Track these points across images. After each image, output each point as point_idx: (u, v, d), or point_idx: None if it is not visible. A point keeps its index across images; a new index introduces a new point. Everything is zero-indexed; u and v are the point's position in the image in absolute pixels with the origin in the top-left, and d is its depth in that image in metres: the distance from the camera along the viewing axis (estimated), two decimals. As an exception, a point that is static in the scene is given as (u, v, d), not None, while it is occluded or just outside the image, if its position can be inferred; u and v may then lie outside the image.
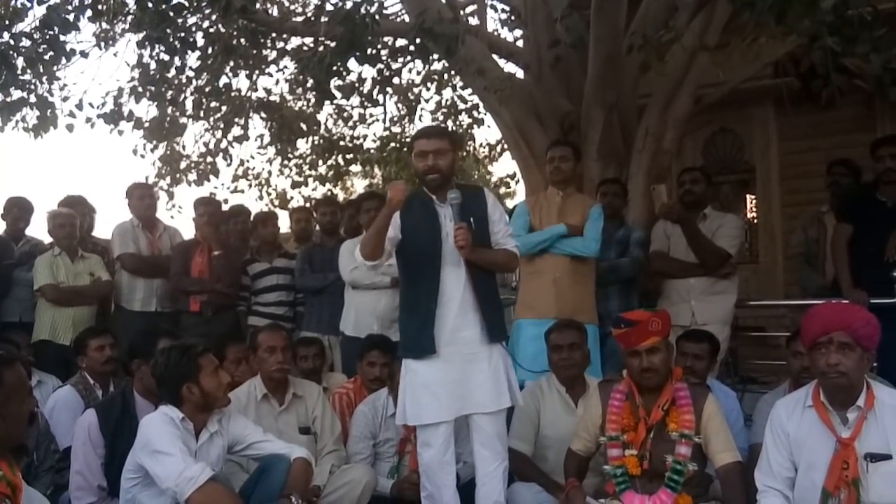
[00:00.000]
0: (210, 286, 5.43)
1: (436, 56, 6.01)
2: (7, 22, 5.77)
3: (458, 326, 3.38)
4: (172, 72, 7.19)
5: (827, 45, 3.60)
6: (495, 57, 7.07)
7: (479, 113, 10.17)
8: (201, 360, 3.22)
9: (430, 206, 3.46)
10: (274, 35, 7.80)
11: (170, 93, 7.70)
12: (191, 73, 7.85)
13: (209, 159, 9.73)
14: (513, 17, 7.68)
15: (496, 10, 8.32)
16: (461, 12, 6.49)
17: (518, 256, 3.69)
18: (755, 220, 9.21)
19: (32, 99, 6.50)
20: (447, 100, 10.38)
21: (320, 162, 10.70)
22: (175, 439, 3.07)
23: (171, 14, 5.66)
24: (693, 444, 3.16)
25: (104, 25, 7.44)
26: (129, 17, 6.68)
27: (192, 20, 6.84)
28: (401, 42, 7.73)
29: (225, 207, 6.70)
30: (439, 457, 3.37)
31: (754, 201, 9.31)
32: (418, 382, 3.39)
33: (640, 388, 3.28)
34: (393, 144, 10.73)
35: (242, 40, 7.19)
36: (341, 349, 5.29)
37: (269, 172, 10.93)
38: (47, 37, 5.74)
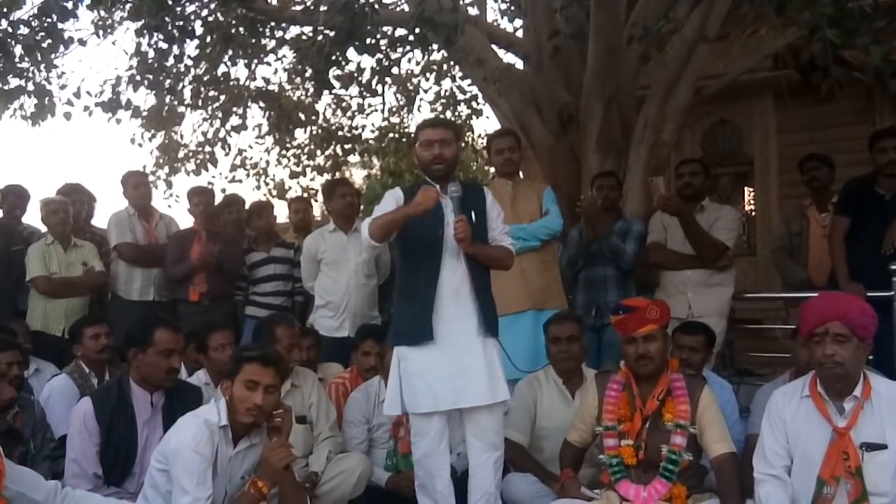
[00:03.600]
0: (205, 258, 5.37)
1: (435, 46, 6.00)
2: (5, 9, 5.73)
3: (455, 317, 3.37)
4: (171, 60, 7.13)
5: (827, 37, 3.59)
6: (495, 47, 7.06)
7: (478, 103, 10.13)
8: (244, 365, 3.09)
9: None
10: (273, 24, 7.77)
11: (168, 81, 7.64)
12: (189, 62, 7.82)
13: (207, 149, 9.69)
14: (512, 7, 7.66)
15: (496, 0, 8.30)
16: (461, 2, 6.47)
17: (514, 254, 3.66)
18: (753, 213, 9.20)
19: (30, 87, 6.48)
20: (446, 90, 10.35)
21: (318, 152, 10.66)
22: (200, 472, 2.94)
23: (170, 2, 5.64)
24: (688, 435, 3.17)
25: (102, 13, 7.39)
26: (128, 6, 6.64)
27: (190, 8, 6.81)
28: (400, 32, 7.72)
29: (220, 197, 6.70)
30: (434, 447, 3.37)
31: (752, 194, 9.30)
32: (413, 371, 3.36)
33: (637, 378, 3.29)
34: (392, 135, 10.71)
35: (241, 29, 7.16)
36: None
37: (267, 162, 10.90)
38: (45, 24, 5.72)
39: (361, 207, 8.24)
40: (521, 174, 4.94)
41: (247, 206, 6.31)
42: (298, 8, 7.20)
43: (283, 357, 3.39)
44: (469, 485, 3.42)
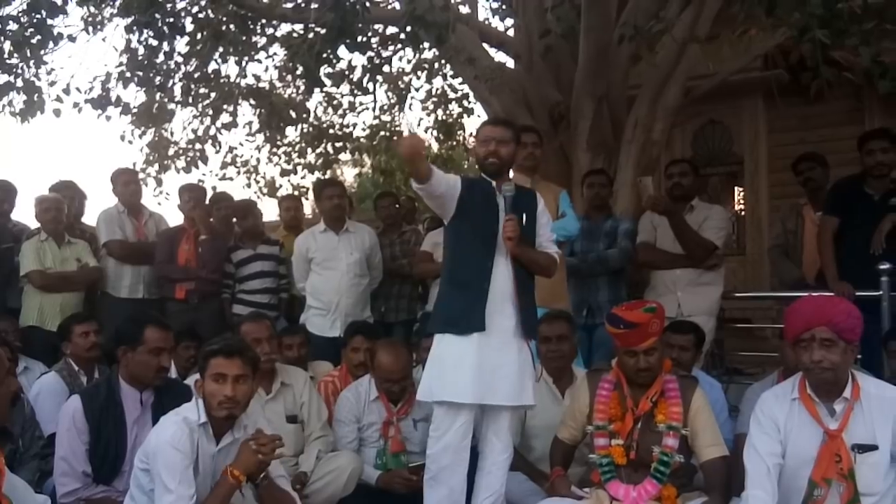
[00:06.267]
0: (194, 273, 5.41)
1: (426, 44, 5.99)
2: (-6, 5, 5.72)
3: (496, 314, 3.37)
4: (161, 57, 7.12)
5: (816, 37, 3.61)
6: (486, 46, 7.06)
7: (469, 102, 10.15)
8: (210, 360, 3.07)
9: (489, 191, 3.47)
10: (263, 21, 7.76)
11: (158, 78, 7.61)
12: (179, 59, 7.78)
13: (197, 146, 9.65)
14: (504, 6, 7.67)
15: (487, -1, 8.31)
16: (452, 0, 6.47)
17: (558, 263, 3.67)
18: (743, 212, 9.24)
19: (19, 83, 6.44)
20: (437, 89, 10.38)
21: (309, 150, 10.64)
22: (181, 470, 2.92)
23: (160, -1, 5.63)
24: (680, 437, 3.17)
25: (92, 9, 7.36)
26: (118, 2, 6.62)
27: (180, 5, 6.80)
28: (391, 30, 7.73)
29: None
30: (457, 441, 3.32)
31: (742, 193, 9.35)
32: (448, 360, 3.34)
33: (630, 379, 3.29)
34: (383, 133, 10.71)
35: (232, 26, 7.14)
36: None
37: (258, 160, 10.88)
38: (34, 20, 5.69)
39: (353, 205, 8.20)
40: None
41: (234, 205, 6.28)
42: (289, 5, 7.18)
43: (250, 346, 3.34)
44: (479, 482, 3.41)
